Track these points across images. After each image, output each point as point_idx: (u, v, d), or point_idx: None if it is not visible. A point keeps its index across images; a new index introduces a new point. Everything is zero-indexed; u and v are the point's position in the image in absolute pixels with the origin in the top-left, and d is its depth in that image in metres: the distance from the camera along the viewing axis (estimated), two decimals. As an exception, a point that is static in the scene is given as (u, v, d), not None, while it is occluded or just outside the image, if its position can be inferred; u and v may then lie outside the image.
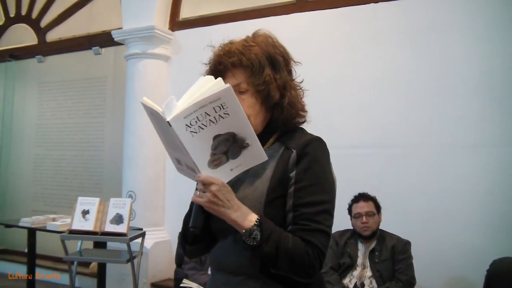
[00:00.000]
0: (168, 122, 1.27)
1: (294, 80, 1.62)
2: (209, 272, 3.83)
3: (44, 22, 6.82)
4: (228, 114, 1.32)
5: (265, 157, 1.42)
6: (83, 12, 6.47)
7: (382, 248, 3.57)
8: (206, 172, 1.37)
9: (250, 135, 1.37)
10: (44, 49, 6.72)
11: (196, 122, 1.30)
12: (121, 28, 5.45)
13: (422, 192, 4.03)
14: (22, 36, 7.01)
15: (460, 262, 3.88)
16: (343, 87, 4.41)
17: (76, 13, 6.52)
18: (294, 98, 1.55)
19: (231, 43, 1.58)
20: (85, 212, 3.86)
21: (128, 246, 3.83)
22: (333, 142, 4.41)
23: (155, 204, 5.30)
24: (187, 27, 5.40)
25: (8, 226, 4.97)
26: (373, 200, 3.69)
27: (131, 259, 3.90)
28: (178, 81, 5.29)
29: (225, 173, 1.40)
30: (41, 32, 6.81)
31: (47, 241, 5.23)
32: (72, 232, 3.83)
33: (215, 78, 1.42)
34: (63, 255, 3.98)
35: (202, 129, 1.32)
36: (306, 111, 1.62)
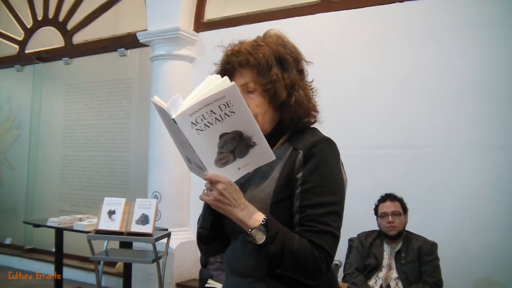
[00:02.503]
0: (173, 119, 1.27)
1: (304, 79, 1.59)
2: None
3: (70, 25, 6.91)
4: (233, 112, 1.32)
5: (272, 157, 1.41)
6: (108, 15, 6.54)
7: (408, 250, 3.53)
8: (213, 171, 1.37)
9: (256, 133, 1.36)
10: (70, 51, 6.81)
11: (201, 120, 1.30)
12: (146, 30, 5.49)
13: (449, 193, 3.98)
14: (49, 38, 7.11)
15: (488, 264, 3.82)
16: (369, 87, 4.37)
17: (102, 15, 6.59)
18: (302, 97, 1.53)
19: (241, 43, 1.58)
20: (111, 213, 3.89)
21: (154, 246, 3.85)
22: (359, 143, 4.42)
23: (181, 205, 5.33)
24: (212, 28, 5.42)
25: (36, 225, 5.04)
26: (400, 200, 3.65)
27: (156, 259, 3.92)
28: (203, 82, 5.30)
29: (232, 172, 1.40)
30: (67, 35, 6.90)
31: (74, 241, 5.30)
32: (98, 232, 3.87)
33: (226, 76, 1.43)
34: (90, 254, 4.02)
35: (208, 127, 1.31)
36: (317, 111, 1.60)
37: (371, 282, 3.53)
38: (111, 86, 6.33)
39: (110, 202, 3.95)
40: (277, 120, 1.56)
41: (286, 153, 1.51)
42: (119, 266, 5.35)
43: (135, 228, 3.82)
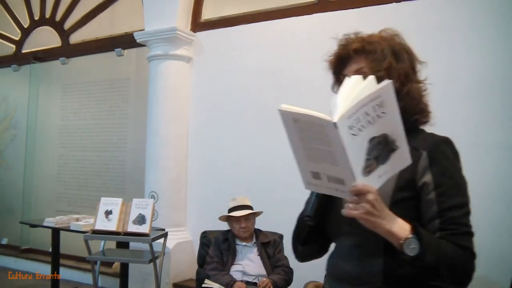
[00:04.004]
0: (334, 123, 1.14)
1: (417, 76, 1.56)
2: (230, 272, 3.82)
3: (67, 25, 6.90)
4: (385, 113, 1.22)
5: (409, 161, 1.32)
6: (105, 14, 6.53)
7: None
8: (360, 180, 1.21)
9: (400, 135, 1.27)
10: (67, 51, 6.80)
11: (357, 123, 1.18)
12: (143, 30, 5.49)
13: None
14: (46, 38, 7.10)
15: (485, 265, 3.75)
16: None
17: (99, 15, 6.58)
18: (414, 90, 1.51)
19: (356, 34, 1.56)
20: (108, 213, 3.88)
21: (151, 246, 3.84)
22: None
23: (177, 205, 5.32)
24: (209, 28, 5.40)
25: (32, 226, 5.04)
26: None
27: (153, 259, 3.91)
28: (200, 82, 5.31)
29: (374, 181, 1.26)
30: (64, 35, 6.89)
31: (70, 241, 5.28)
32: (95, 232, 3.86)
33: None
34: (87, 254, 4.01)
35: (361, 131, 1.20)
36: (429, 111, 1.58)
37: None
38: (108, 86, 6.32)
39: (107, 202, 3.94)
40: None
41: None
42: (116, 266, 5.34)
43: (132, 228, 3.81)
